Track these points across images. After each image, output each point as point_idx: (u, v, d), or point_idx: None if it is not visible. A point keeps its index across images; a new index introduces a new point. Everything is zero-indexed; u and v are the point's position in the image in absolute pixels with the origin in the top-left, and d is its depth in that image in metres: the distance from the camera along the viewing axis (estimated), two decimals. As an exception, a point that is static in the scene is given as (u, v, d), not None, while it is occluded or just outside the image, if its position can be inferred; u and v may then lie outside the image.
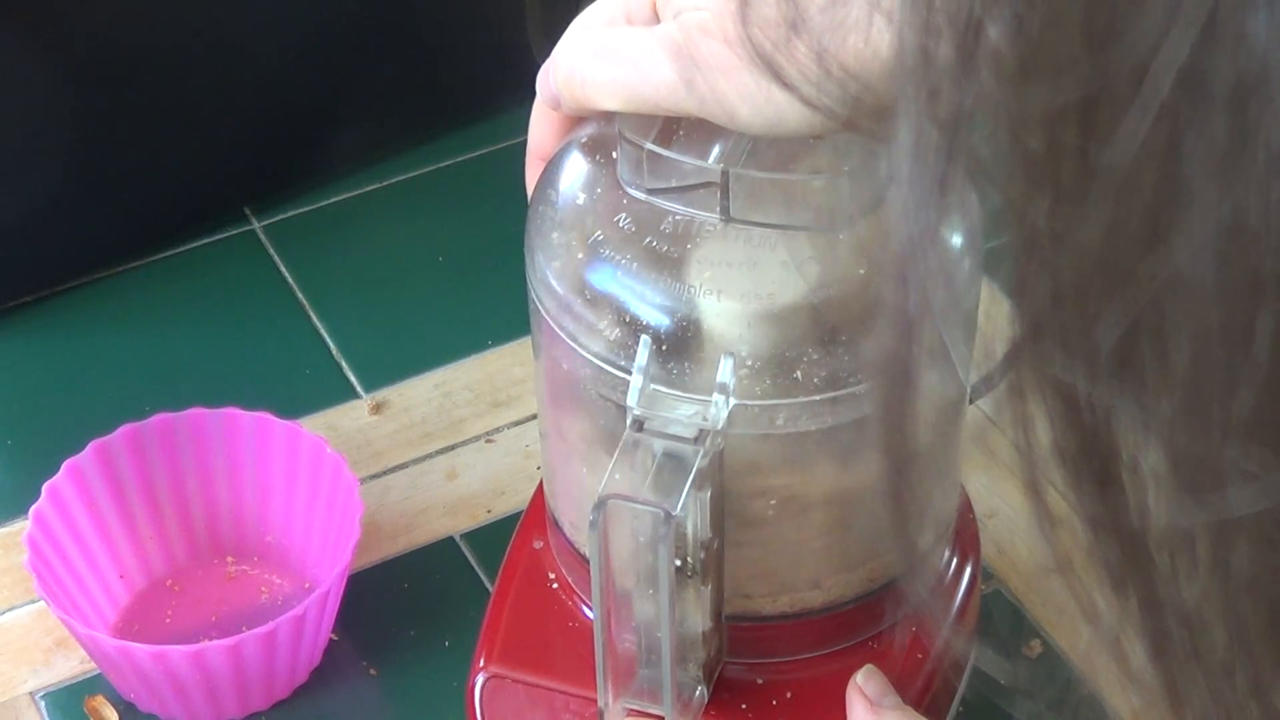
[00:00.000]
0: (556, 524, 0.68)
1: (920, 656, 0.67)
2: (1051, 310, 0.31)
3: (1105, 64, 0.28)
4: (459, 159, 1.01)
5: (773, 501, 0.62)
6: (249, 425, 0.79)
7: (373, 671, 0.78)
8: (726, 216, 0.59)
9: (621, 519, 0.58)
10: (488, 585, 0.80)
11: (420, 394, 0.89)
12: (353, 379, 0.90)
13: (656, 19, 0.59)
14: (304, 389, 0.89)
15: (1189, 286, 0.28)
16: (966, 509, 0.73)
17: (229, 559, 0.81)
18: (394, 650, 0.79)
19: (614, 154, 0.61)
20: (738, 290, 0.59)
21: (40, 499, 0.76)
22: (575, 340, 0.61)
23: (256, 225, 0.98)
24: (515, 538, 0.71)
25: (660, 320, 0.60)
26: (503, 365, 0.90)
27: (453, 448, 0.87)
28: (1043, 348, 0.31)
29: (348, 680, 0.78)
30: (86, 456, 0.78)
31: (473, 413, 0.88)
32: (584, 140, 0.63)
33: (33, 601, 0.80)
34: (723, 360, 0.58)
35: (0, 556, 0.82)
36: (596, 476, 0.60)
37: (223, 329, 0.92)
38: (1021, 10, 0.29)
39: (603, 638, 0.61)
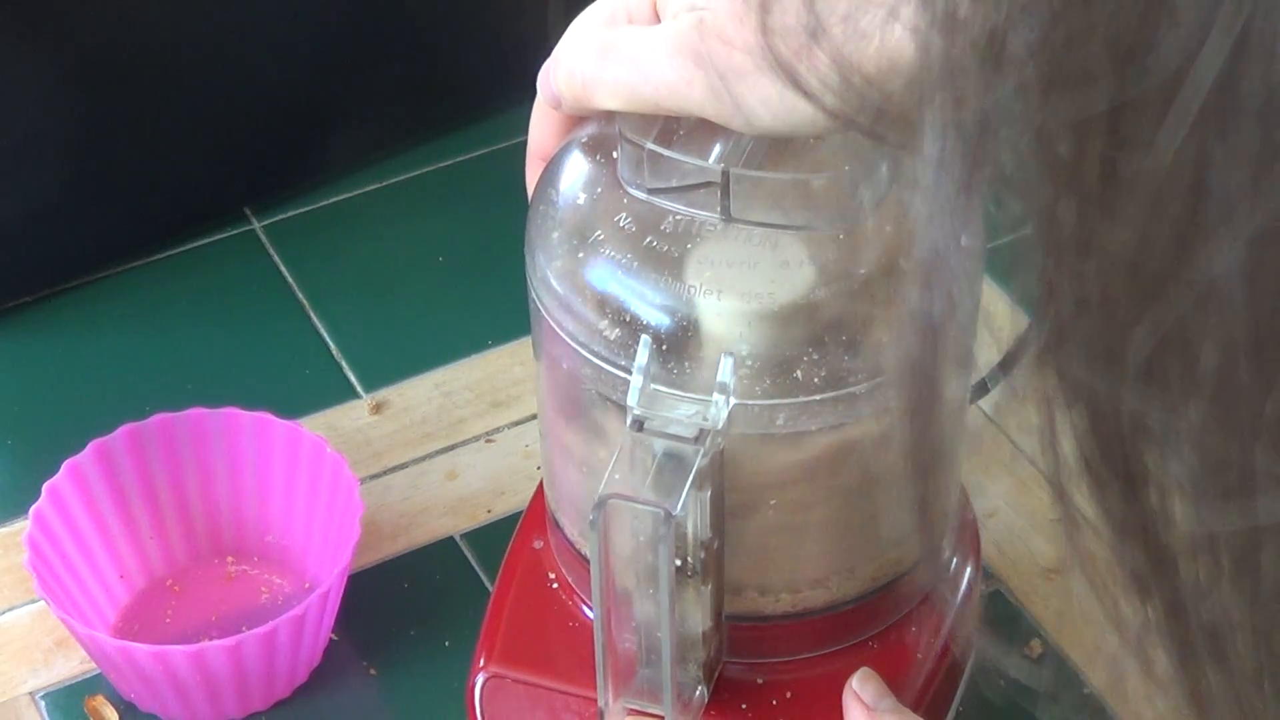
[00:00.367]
0: (556, 524, 0.68)
1: (920, 656, 0.67)
2: (1078, 317, 0.31)
3: (1136, 74, 0.28)
4: (459, 159, 1.01)
5: (773, 502, 0.62)
6: (249, 425, 0.79)
7: (373, 671, 0.78)
8: (726, 216, 0.59)
9: (621, 519, 0.58)
10: (488, 585, 0.80)
11: (420, 394, 0.89)
12: (353, 379, 0.90)
13: (657, 18, 0.59)
14: (304, 389, 0.89)
15: (1219, 294, 0.28)
16: (966, 509, 0.73)
17: (229, 559, 0.81)
18: (394, 650, 0.79)
19: (614, 154, 0.61)
20: (738, 290, 0.59)
21: (40, 499, 0.76)
22: (575, 340, 0.61)
23: (256, 225, 0.98)
24: (515, 538, 0.71)
25: (660, 320, 0.60)
26: (503, 365, 0.90)
27: (453, 448, 0.87)
28: (1068, 354, 0.31)
29: (348, 680, 0.78)
30: (86, 456, 0.78)
31: (473, 413, 0.88)
32: (584, 140, 0.63)
33: (33, 601, 0.80)
34: (723, 360, 0.58)
35: (0, 556, 0.82)
36: (596, 476, 0.60)
37: (223, 329, 0.93)
38: (1047, 20, 0.29)
39: (603, 638, 0.61)
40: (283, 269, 0.95)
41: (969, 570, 0.70)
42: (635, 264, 0.60)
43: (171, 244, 0.96)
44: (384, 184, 1.00)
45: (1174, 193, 0.28)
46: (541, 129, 0.64)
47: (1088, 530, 0.33)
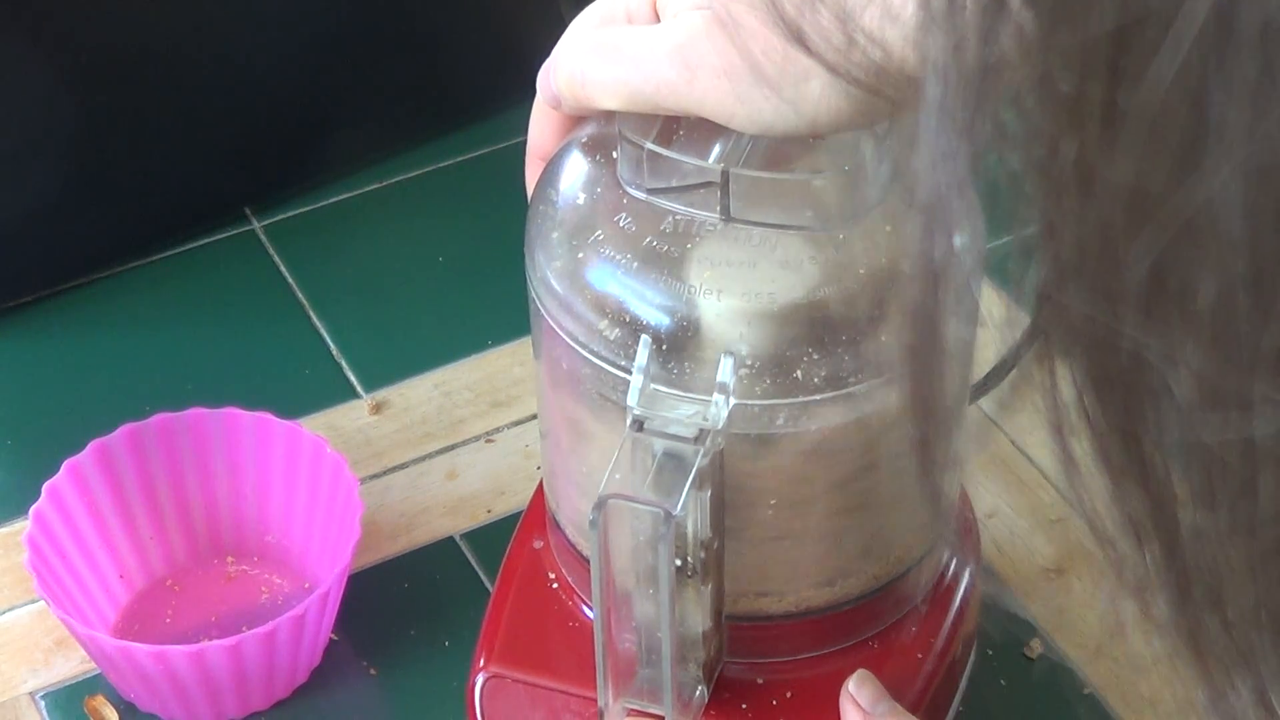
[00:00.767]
0: (556, 524, 0.68)
1: (920, 656, 0.67)
2: (1078, 252, 0.31)
3: (1135, 3, 0.28)
4: (459, 159, 1.01)
5: (773, 501, 0.62)
6: (249, 425, 0.79)
7: (373, 671, 0.78)
8: (726, 216, 0.59)
9: (621, 519, 0.58)
10: (488, 585, 0.80)
11: (420, 394, 0.89)
12: (353, 379, 0.90)
13: (657, 18, 0.59)
14: (304, 389, 0.89)
15: (1216, 222, 0.29)
16: (966, 509, 0.73)
17: (229, 559, 0.81)
18: (394, 650, 0.79)
19: (614, 154, 0.61)
20: (738, 290, 0.59)
21: (40, 499, 0.76)
22: (575, 340, 0.61)
23: (256, 225, 0.98)
24: (515, 538, 0.71)
25: (660, 320, 0.60)
26: (503, 365, 0.90)
27: (453, 448, 0.87)
28: (1069, 290, 0.31)
29: (348, 680, 0.78)
30: (86, 456, 0.78)
31: (473, 413, 0.88)
32: (584, 140, 0.63)
33: (33, 601, 0.80)
34: (723, 360, 0.58)
35: (0, 556, 0.82)
36: (596, 476, 0.60)
37: (223, 329, 0.93)
38: None
39: (603, 638, 0.61)
40: (283, 269, 0.95)
41: (969, 570, 0.70)
42: (635, 264, 0.60)
43: (171, 244, 0.96)
44: (384, 184, 1.00)
45: (1172, 123, 0.29)
46: (541, 129, 0.64)
47: (1086, 475, 0.33)
